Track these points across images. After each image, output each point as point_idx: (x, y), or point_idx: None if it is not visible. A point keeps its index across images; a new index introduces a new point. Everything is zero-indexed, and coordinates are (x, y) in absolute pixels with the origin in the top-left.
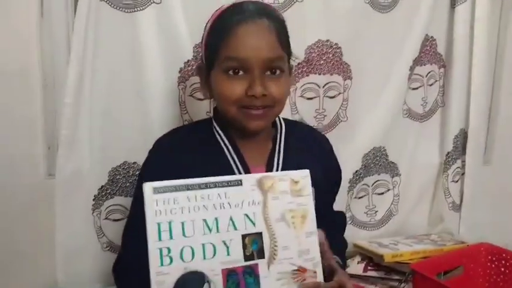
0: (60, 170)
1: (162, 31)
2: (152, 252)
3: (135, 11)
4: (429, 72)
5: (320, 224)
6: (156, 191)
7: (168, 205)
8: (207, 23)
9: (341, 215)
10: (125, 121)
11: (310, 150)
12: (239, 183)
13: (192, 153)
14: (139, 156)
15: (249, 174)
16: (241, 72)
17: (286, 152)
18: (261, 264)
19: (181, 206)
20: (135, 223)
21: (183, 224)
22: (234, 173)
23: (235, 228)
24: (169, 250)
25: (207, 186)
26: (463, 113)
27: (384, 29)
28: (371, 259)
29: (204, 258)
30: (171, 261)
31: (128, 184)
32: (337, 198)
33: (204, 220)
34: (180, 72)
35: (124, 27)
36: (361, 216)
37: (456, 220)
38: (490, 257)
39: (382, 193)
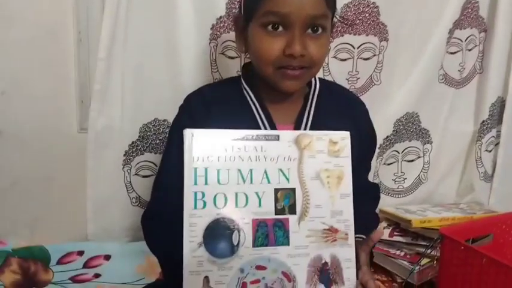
0: (92, 125)
1: None
2: (187, 195)
3: None
4: (469, 37)
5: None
6: (196, 137)
7: (205, 152)
8: None
9: (375, 187)
10: (156, 78)
11: (343, 112)
12: (276, 138)
13: (220, 109)
14: (170, 114)
15: (287, 131)
16: (280, 28)
17: (317, 112)
18: (292, 219)
19: (218, 154)
20: (167, 175)
21: (218, 171)
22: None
23: (269, 182)
24: (203, 195)
25: (244, 138)
26: (502, 80)
27: None
28: (398, 225)
29: (236, 206)
30: (205, 205)
31: (157, 141)
32: None
33: (239, 170)
34: (212, 29)
35: None
36: (389, 183)
37: (487, 191)
38: None
39: (412, 160)
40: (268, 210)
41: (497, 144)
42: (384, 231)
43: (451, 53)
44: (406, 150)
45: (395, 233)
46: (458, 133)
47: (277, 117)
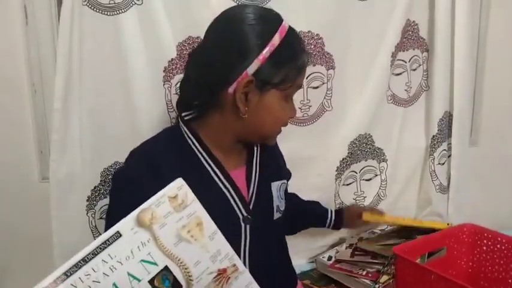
0: (53, 174)
1: (145, 31)
2: None
3: (118, 13)
4: (412, 57)
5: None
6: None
7: None
8: (266, 39)
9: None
10: (113, 122)
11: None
12: (118, 235)
13: (169, 163)
14: None
15: (123, 219)
16: None
17: (258, 151)
18: None
19: None
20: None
21: None
22: (213, 179)
23: (139, 280)
24: None
25: (85, 260)
26: (447, 96)
27: (365, 16)
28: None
29: None
30: None
31: None
32: (324, 185)
33: None
34: (164, 71)
35: (108, 30)
36: (350, 202)
37: (444, 202)
38: (473, 237)
39: (370, 179)
40: None
41: (449, 156)
42: None
43: (397, 74)
44: (363, 170)
45: (356, 253)
46: (411, 149)
47: (226, 162)
